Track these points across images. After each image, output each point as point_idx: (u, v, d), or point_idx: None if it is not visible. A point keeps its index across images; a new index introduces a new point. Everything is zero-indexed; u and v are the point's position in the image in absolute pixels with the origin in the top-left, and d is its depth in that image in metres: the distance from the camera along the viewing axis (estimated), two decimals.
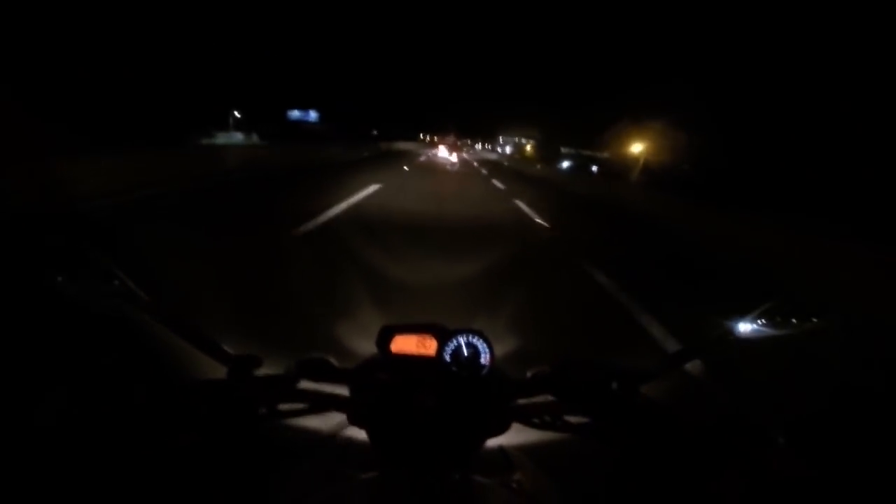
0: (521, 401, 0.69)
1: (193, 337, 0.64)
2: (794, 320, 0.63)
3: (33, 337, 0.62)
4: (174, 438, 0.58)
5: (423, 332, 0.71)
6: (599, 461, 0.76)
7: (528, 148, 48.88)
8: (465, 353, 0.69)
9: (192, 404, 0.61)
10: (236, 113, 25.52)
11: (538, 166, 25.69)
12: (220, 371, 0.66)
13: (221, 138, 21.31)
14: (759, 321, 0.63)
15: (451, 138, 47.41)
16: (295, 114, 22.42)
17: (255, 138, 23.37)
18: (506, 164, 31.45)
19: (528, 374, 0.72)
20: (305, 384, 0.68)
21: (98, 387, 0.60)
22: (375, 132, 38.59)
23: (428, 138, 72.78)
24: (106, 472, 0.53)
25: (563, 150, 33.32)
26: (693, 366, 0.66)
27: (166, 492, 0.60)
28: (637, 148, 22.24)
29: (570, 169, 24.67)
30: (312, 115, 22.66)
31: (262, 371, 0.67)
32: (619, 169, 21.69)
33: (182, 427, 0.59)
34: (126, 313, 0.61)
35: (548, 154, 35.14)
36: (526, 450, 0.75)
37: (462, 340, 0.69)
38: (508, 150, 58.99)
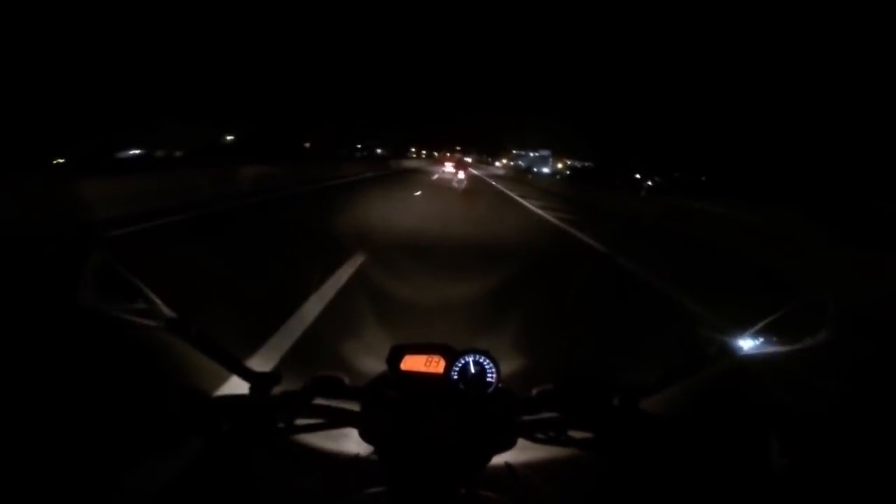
0: (527, 417, 0.71)
1: (217, 354, 0.66)
2: (794, 334, 0.65)
3: (54, 349, 0.63)
4: (198, 449, 0.59)
5: (431, 351, 0.72)
6: (603, 475, 0.77)
7: None
8: (473, 372, 0.70)
9: (216, 418, 0.63)
10: None
11: None
12: (241, 387, 0.68)
13: None
14: (759, 336, 0.65)
15: (457, 155, 45.51)
16: None
17: None
18: None
19: (533, 392, 0.73)
20: (320, 401, 0.70)
21: (122, 400, 0.61)
22: (308, 145, 29.20)
23: (424, 154, 70.23)
24: (128, 479, 0.54)
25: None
26: (693, 380, 0.68)
27: (189, 499, 0.61)
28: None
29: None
30: None
31: (280, 388, 0.69)
32: None
33: (206, 439, 0.62)
34: (152, 330, 0.63)
35: None
36: (532, 466, 0.76)
37: (469, 359, 0.71)
38: (546, 170, 40.90)
